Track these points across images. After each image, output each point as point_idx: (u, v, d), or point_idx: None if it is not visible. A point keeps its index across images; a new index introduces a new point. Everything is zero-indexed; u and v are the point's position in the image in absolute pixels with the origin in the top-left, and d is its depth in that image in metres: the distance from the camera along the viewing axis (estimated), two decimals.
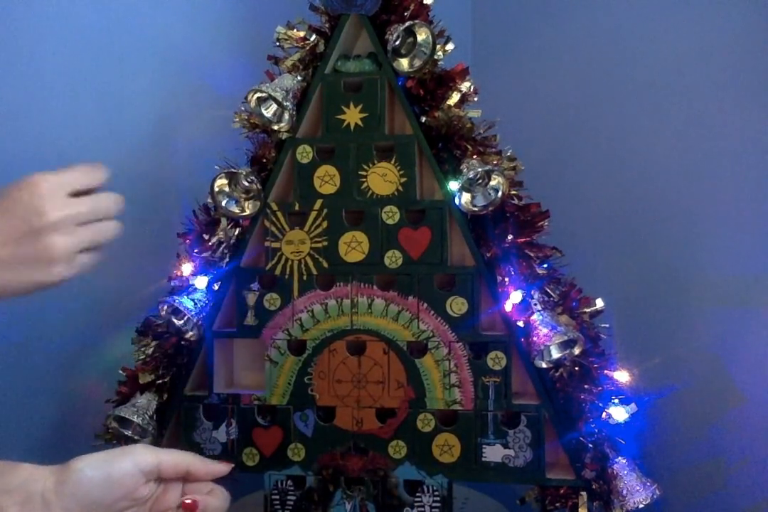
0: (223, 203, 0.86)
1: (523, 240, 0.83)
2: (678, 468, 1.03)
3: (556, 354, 0.80)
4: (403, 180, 0.84)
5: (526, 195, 0.85)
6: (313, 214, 0.86)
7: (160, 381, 0.88)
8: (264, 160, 0.88)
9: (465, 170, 0.81)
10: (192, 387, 0.89)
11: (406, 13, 0.85)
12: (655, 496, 0.78)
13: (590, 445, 0.80)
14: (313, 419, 0.85)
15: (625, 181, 1.12)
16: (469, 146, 0.84)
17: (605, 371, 0.82)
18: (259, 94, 0.84)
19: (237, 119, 0.89)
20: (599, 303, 0.84)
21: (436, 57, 0.84)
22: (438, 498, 0.83)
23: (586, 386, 0.81)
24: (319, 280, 0.86)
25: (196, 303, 0.84)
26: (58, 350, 1.04)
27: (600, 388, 0.81)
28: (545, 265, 0.83)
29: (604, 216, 1.15)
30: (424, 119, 0.85)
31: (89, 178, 0.67)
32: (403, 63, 0.84)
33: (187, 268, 0.88)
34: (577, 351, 0.79)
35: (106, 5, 1.08)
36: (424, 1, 0.87)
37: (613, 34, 1.15)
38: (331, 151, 0.86)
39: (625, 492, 0.78)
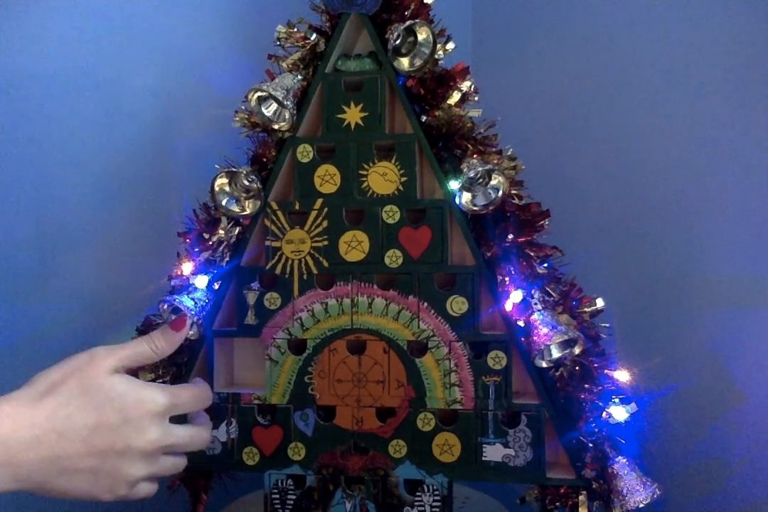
0: (224, 202, 0.86)
1: (523, 239, 0.83)
2: (678, 468, 1.03)
3: (556, 353, 0.80)
4: (403, 179, 0.84)
5: (527, 194, 0.85)
6: (314, 213, 0.86)
7: (160, 381, 0.88)
8: (264, 159, 0.88)
9: (465, 169, 0.81)
10: None
11: (406, 13, 0.85)
12: (655, 496, 0.78)
13: (590, 445, 0.80)
14: (313, 418, 0.85)
15: (626, 180, 1.12)
16: (469, 145, 0.84)
17: (606, 370, 0.82)
18: (259, 93, 0.84)
19: (237, 118, 0.89)
20: (600, 302, 0.84)
21: (436, 56, 0.83)
22: (438, 498, 0.83)
23: (586, 385, 0.81)
24: (320, 279, 0.86)
25: (196, 303, 0.84)
26: (58, 350, 1.04)
27: (600, 388, 0.81)
28: (546, 265, 0.83)
29: (604, 215, 1.15)
30: (424, 118, 0.85)
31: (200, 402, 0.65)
32: (404, 62, 0.84)
33: (187, 267, 0.88)
34: (577, 350, 0.79)
35: (106, 4, 1.08)
36: (425, 1, 0.87)
37: (614, 33, 1.15)
38: (332, 150, 0.86)
39: (625, 491, 0.78)
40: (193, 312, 0.84)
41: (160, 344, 0.65)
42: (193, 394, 0.64)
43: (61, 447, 0.52)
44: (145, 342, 0.64)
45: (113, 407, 0.54)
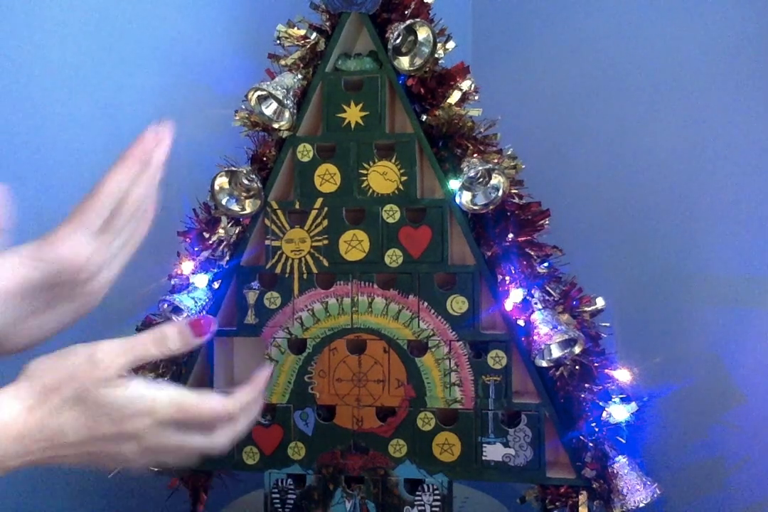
0: (224, 202, 0.86)
1: (523, 239, 0.83)
2: (678, 467, 1.03)
3: (556, 353, 0.80)
4: (403, 179, 0.84)
5: (527, 194, 0.85)
6: (314, 212, 0.86)
7: (160, 380, 0.88)
8: (264, 159, 0.88)
9: (465, 169, 0.81)
10: (192, 386, 0.89)
11: (406, 12, 0.85)
12: (655, 495, 0.78)
13: (590, 444, 0.80)
14: (313, 418, 0.85)
15: (626, 180, 1.12)
16: (469, 145, 0.84)
17: (606, 370, 0.82)
18: (259, 93, 0.84)
19: (237, 117, 0.89)
20: (600, 302, 0.84)
21: (436, 55, 0.83)
22: (438, 497, 0.83)
23: (586, 385, 0.81)
24: (320, 279, 0.86)
25: (196, 302, 0.84)
26: (58, 349, 1.04)
27: (600, 387, 0.81)
28: (546, 264, 0.83)
29: (604, 215, 1.15)
30: (424, 118, 0.85)
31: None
32: (404, 61, 0.84)
33: (187, 267, 0.88)
34: (577, 350, 0.79)
35: (106, 3, 1.08)
36: (425, 0, 0.87)
37: (613, 32, 1.15)
38: (332, 149, 0.86)
39: (625, 491, 0.78)
40: (193, 311, 0.84)
41: (174, 346, 0.54)
42: (207, 410, 0.55)
43: (49, 454, 0.51)
44: (152, 344, 0.54)
45: (110, 418, 0.52)
